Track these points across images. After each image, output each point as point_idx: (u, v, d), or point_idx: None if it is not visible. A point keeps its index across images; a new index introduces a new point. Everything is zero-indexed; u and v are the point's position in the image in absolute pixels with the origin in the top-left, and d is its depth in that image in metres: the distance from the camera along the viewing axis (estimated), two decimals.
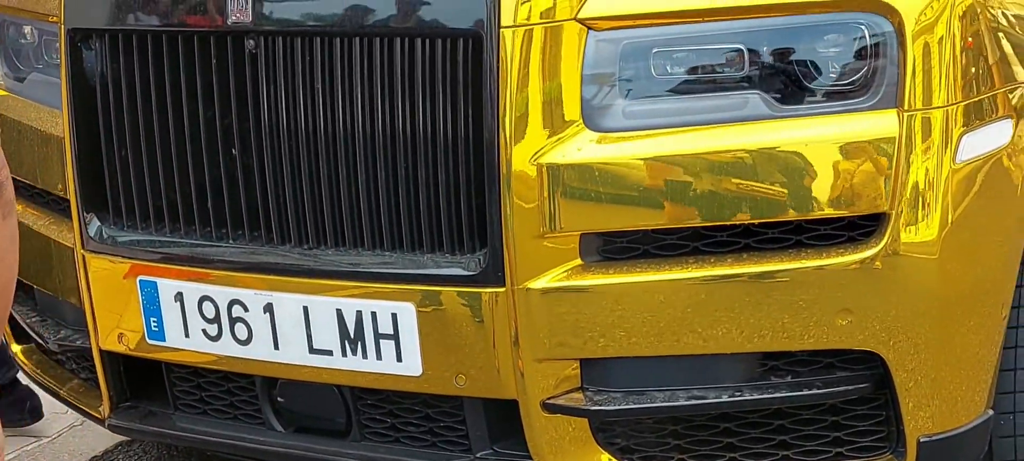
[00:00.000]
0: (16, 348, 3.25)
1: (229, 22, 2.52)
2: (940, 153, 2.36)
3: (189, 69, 2.59)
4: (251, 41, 2.52)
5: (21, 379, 3.57)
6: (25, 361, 3.25)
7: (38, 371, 3.21)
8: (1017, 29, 2.63)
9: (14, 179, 2.91)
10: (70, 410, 3.68)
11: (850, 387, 2.44)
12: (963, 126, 2.39)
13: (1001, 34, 2.54)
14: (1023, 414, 2.66)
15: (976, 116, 2.42)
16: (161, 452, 3.60)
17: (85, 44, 2.71)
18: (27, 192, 2.99)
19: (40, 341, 3.07)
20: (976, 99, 2.43)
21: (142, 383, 2.88)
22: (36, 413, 3.65)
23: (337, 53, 2.45)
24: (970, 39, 2.43)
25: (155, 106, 2.63)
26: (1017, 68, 2.54)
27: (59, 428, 3.73)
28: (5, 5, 3.06)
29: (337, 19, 2.45)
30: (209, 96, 2.58)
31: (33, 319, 3.09)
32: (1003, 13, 2.59)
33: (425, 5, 2.41)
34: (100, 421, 2.94)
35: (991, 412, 2.56)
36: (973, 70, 2.42)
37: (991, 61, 2.48)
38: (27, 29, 3.03)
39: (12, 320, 3.17)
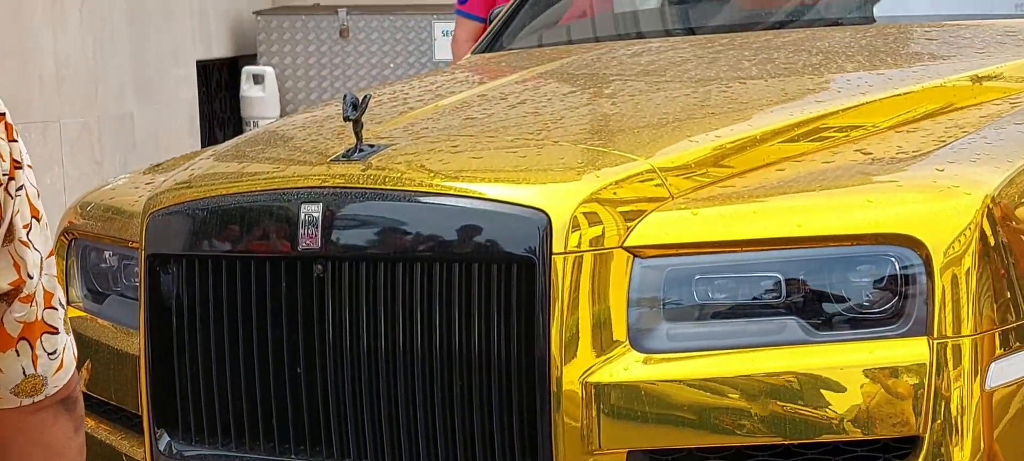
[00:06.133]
0: None
1: (299, 248, 2.69)
2: (970, 379, 2.46)
3: (260, 291, 2.75)
4: (319, 266, 2.69)
5: None
6: None
7: None
8: None
9: (88, 395, 3.07)
10: None
11: None
12: (993, 353, 2.49)
13: None
14: None
15: (1006, 343, 2.52)
16: None
17: (163, 268, 2.88)
18: (100, 408, 3.14)
19: None
20: (1006, 328, 2.54)
21: None
22: None
23: (399, 277, 2.61)
24: (1002, 270, 2.55)
25: (226, 326, 2.79)
26: None
27: None
28: (88, 233, 3.27)
29: (399, 245, 2.62)
30: (277, 316, 2.74)
31: None
32: None
33: (481, 232, 2.58)
34: None
35: None
36: (1002, 300, 2.54)
37: (1021, 290, 2.60)
38: (107, 254, 3.23)
39: None
